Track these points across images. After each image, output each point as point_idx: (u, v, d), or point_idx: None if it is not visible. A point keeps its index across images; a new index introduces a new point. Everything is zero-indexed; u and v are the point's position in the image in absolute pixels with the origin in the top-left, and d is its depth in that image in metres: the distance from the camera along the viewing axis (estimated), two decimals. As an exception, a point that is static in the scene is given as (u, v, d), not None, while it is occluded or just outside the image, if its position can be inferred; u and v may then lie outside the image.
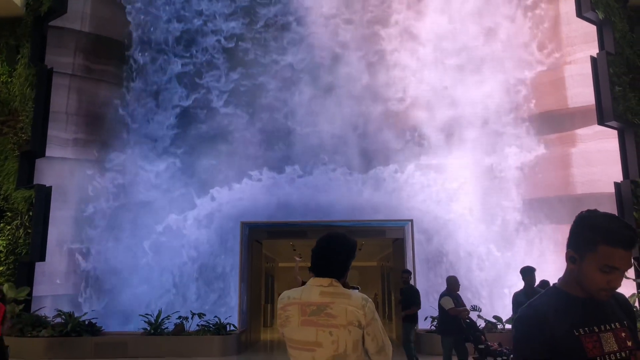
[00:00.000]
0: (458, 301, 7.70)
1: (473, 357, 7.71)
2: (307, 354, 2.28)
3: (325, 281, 2.38)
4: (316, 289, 2.37)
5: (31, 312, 10.39)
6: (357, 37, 12.79)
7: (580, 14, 11.46)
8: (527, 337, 1.71)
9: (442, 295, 7.76)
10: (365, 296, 2.37)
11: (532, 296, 6.66)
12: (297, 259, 8.93)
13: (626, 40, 11.20)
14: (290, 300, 2.39)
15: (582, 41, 11.69)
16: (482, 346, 7.62)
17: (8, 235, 10.72)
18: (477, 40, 12.38)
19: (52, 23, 11.75)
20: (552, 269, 9.43)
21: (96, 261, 11.59)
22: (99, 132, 12.16)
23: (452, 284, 7.79)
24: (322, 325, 2.27)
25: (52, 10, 11.58)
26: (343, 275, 2.46)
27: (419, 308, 8.64)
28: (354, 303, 2.29)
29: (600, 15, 11.14)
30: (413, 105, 12.42)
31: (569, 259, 1.77)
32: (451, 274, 8.78)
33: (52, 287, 11.10)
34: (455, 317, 7.47)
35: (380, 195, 11.98)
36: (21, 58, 11.51)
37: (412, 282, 9.50)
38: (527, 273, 7.01)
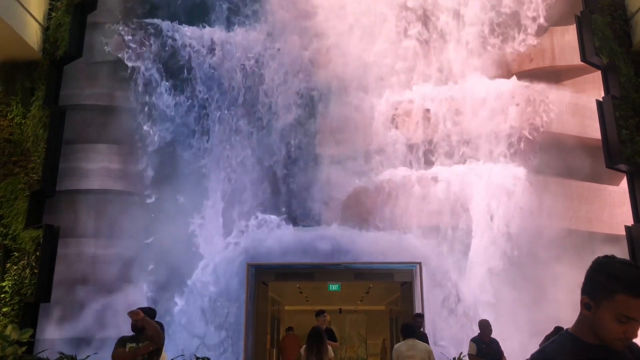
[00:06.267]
0: (490, 347, 7.52)
1: None
2: None
3: (412, 340, 7.22)
4: (411, 343, 7.16)
5: (34, 354, 10.22)
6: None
7: (584, 58, 11.63)
8: None
9: (471, 340, 7.62)
10: (428, 346, 7.46)
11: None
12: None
13: (631, 84, 11.31)
14: (401, 348, 7.13)
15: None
16: None
17: (14, 275, 10.68)
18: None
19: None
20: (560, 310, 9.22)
21: (101, 303, 11.48)
22: (120, 161, 12.33)
23: (481, 328, 7.65)
24: (414, 356, 6.97)
25: (68, 54, 11.92)
26: (417, 334, 7.65)
27: None
28: (426, 349, 7.19)
29: (605, 60, 11.29)
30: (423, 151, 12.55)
31: (584, 305, 1.72)
32: (461, 319, 8.63)
33: (57, 330, 10.97)
34: None
35: (388, 236, 11.90)
36: (35, 100, 11.76)
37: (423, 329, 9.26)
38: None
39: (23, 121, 11.73)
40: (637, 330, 1.63)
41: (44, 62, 11.96)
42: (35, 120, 11.57)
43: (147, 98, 12.73)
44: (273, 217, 12.35)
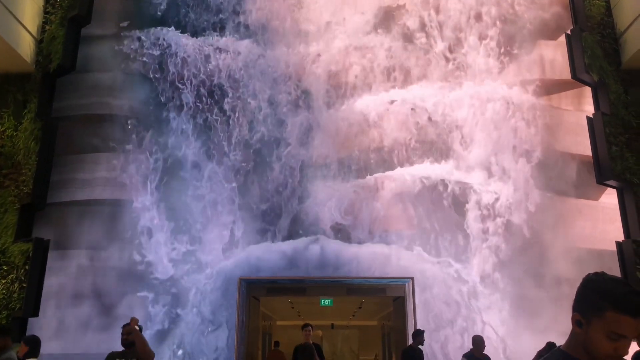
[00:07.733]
0: None
1: None
2: None
3: None
4: None
5: (21, 370, 10.06)
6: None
7: (575, 75, 11.80)
8: None
9: (463, 356, 7.63)
10: None
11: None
12: None
13: (621, 102, 11.47)
14: None
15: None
16: None
17: (2, 289, 10.56)
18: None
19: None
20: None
21: (92, 318, 11.33)
22: (116, 168, 12.12)
23: (474, 343, 7.68)
24: None
25: (61, 67, 11.92)
26: None
27: None
28: None
29: (595, 78, 11.46)
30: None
31: (575, 322, 1.73)
32: (453, 335, 8.62)
33: (46, 345, 10.79)
34: None
35: (381, 250, 11.86)
36: (28, 113, 11.73)
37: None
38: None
39: (14, 134, 11.69)
40: (628, 347, 1.64)
41: (36, 75, 11.96)
42: (27, 133, 11.53)
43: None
44: (262, 230, 12.27)
